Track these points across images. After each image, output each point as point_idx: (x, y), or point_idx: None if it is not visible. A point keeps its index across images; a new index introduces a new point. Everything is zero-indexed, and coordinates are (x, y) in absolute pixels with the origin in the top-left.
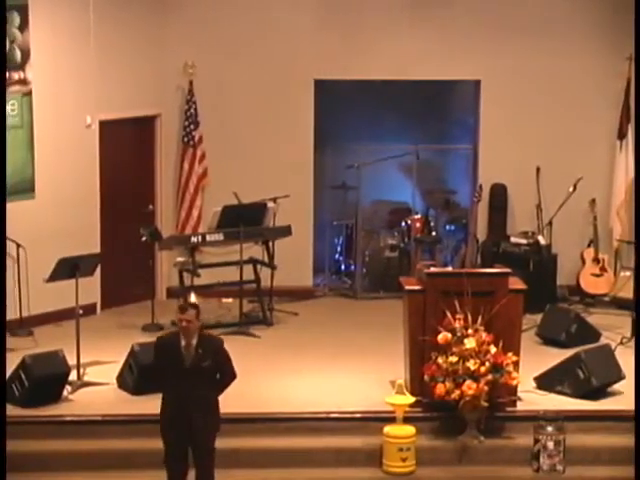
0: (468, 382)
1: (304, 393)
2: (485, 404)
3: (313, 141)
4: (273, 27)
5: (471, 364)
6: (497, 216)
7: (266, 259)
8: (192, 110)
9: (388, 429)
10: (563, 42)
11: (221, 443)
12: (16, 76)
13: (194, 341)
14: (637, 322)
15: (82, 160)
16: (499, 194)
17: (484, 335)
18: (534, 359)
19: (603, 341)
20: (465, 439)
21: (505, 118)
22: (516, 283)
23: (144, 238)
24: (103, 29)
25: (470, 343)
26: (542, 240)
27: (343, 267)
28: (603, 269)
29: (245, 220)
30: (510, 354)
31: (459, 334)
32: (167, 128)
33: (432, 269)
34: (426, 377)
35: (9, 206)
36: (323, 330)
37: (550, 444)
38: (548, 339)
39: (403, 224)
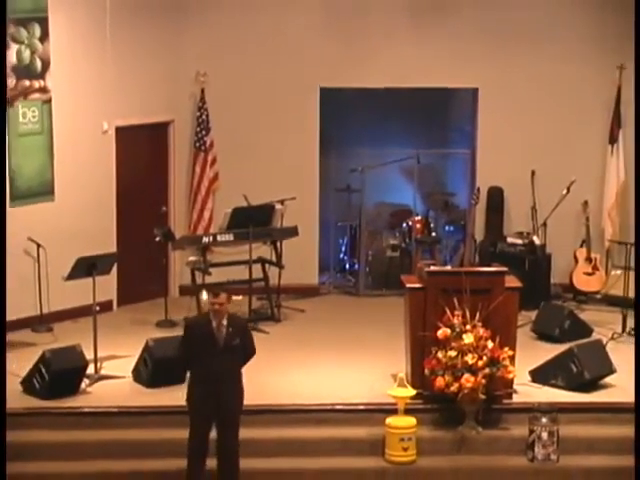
0: (466, 375)
1: (310, 386)
2: (482, 396)
3: (319, 146)
4: (281, 38)
5: (469, 358)
6: (494, 217)
7: (274, 258)
8: (204, 116)
9: (390, 420)
10: (557, 52)
11: None
12: (37, 84)
13: (224, 322)
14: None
15: (99, 164)
16: (496, 196)
17: (482, 331)
18: (529, 354)
19: (595, 336)
20: (464, 430)
21: (501, 124)
22: (512, 281)
23: (158, 238)
24: (119, 41)
25: (468, 338)
26: (537, 240)
27: (347, 266)
28: (595, 268)
29: (254, 221)
30: (506, 349)
31: (458, 330)
32: (180, 134)
33: (432, 268)
34: (426, 371)
35: (30, 208)
36: (328, 326)
37: (544, 435)
38: (542, 334)
39: (404, 225)
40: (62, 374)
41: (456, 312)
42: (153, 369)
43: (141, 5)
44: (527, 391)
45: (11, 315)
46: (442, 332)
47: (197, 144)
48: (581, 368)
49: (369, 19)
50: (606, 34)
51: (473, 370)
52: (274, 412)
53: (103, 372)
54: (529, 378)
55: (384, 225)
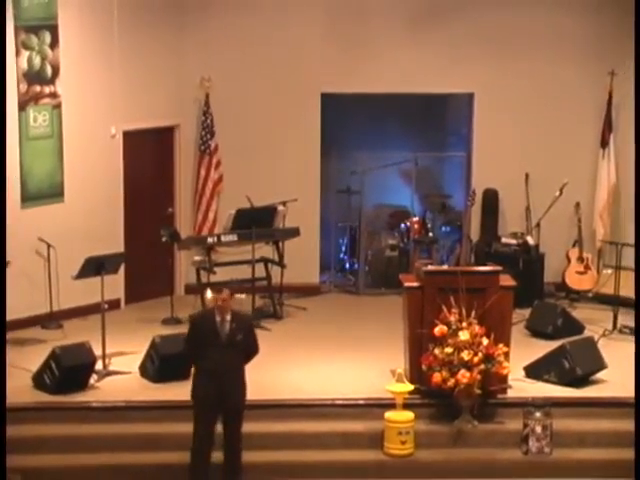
0: (462, 371)
1: (312, 382)
2: (478, 391)
3: (320, 149)
4: (283, 45)
5: (465, 355)
6: (489, 218)
7: (276, 258)
8: (208, 121)
9: (389, 414)
10: (551, 59)
11: None
12: (47, 90)
13: (228, 317)
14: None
15: (107, 167)
16: (491, 198)
17: (477, 328)
18: (523, 350)
19: (587, 334)
20: (460, 424)
21: (496, 128)
22: (507, 280)
23: (164, 239)
24: (127, 48)
25: (464, 335)
26: (531, 240)
27: (347, 265)
28: (587, 267)
29: (257, 222)
30: (501, 345)
31: (454, 327)
32: (185, 138)
33: (429, 267)
34: (424, 367)
35: (40, 209)
36: (329, 324)
37: (538, 428)
38: (536, 332)
39: (402, 226)
40: (71, 370)
41: (452, 310)
42: (159, 365)
43: (148, 13)
44: (521, 386)
45: (22, 313)
46: (439, 329)
47: (202, 147)
48: (573, 364)
49: (368, 27)
50: (597, 41)
51: (469, 366)
52: (277, 407)
53: (111, 368)
54: (523, 374)
55: (383, 226)
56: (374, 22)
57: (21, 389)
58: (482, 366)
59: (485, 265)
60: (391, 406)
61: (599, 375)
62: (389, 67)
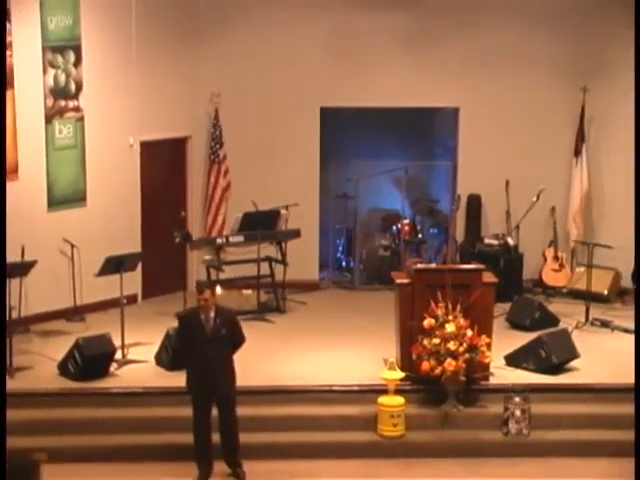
0: (449, 360)
1: (311, 369)
2: (463, 378)
3: (319, 158)
4: (286, 64)
5: (451, 345)
6: (473, 221)
7: (279, 257)
8: (217, 132)
9: (382, 399)
10: (529, 77)
11: (241, 411)
12: (71, 104)
13: (212, 314)
14: (637, 315)
15: (126, 174)
16: (474, 203)
17: (462, 321)
18: (504, 341)
19: (561, 326)
20: (446, 408)
21: (479, 139)
22: (489, 277)
23: (177, 240)
24: (144, 66)
25: (450, 327)
26: (510, 241)
27: (344, 264)
28: (562, 265)
29: (262, 224)
30: (484, 336)
31: (441, 320)
32: (197, 148)
33: (419, 266)
34: (414, 356)
35: (65, 213)
36: (327, 316)
37: (517, 412)
38: (515, 324)
39: (394, 228)
40: (93, 359)
41: (440, 304)
42: (173, 355)
43: (163, 37)
44: (502, 374)
45: (49, 307)
46: (427, 322)
47: (212, 157)
48: (549, 353)
49: (364, 48)
50: (571, 60)
51: (455, 355)
52: (279, 392)
53: (129, 357)
54: (504, 362)
55: (376, 228)
56: (369, 44)
57: (47, 376)
58: (467, 355)
59: (469, 263)
60: (384, 391)
61: (573, 363)
62: (383, 84)
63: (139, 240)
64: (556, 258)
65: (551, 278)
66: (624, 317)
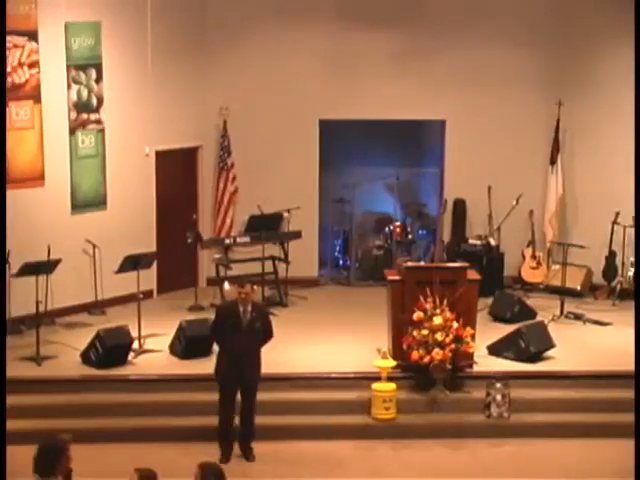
0: (436, 350)
1: (311, 358)
2: (449, 366)
3: (318, 165)
4: (288, 80)
5: (439, 336)
6: (458, 223)
7: (282, 256)
8: (226, 143)
9: (375, 385)
10: (510, 91)
11: None
12: (93, 117)
13: (249, 307)
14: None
15: (142, 181)
16: (460, 206)
17: (448, 314)
18: (486, 332)
19: (538, 318)
20: (434, 393)
21: (464, 149)
22: (473, 274)
23: (189, 240)
24: (159, 82)
25: (438, 320)
26: (492, 242)
27: (341, 262)
28: (539, 263)
29: (266, 226)
30: (468, 328)
31: (429, 313)
32: (207, 156)
33: (409, 264)
34: (404, 346)
35: (87, 216)
36: (326, 310)
37: (499, 397)
38: (497, 317)
39: (387, 229)
40: (113, 348)
41: (428, 299)
42: (186, 345)
43: (176, 55)
44: (485, 362)
45: (72, 301)
46: (417, 315)
47: (220, 165)
48: (527, 344)
49: (359, 65)
50: (547, 77)
51: (442, 345)
52: (281, 379)
53: (146, 347)
54: (486, 352)
55: (371, 229)
56: (364, 61)
57: (71, 364)
58: (452, 345)
59: (455, 262)
60: (377, 378)
61: (549, 353)
62: (376, 98)
63: (154, 240)
64: (534, 257)
65: (529, 275)
66: (596, 311)
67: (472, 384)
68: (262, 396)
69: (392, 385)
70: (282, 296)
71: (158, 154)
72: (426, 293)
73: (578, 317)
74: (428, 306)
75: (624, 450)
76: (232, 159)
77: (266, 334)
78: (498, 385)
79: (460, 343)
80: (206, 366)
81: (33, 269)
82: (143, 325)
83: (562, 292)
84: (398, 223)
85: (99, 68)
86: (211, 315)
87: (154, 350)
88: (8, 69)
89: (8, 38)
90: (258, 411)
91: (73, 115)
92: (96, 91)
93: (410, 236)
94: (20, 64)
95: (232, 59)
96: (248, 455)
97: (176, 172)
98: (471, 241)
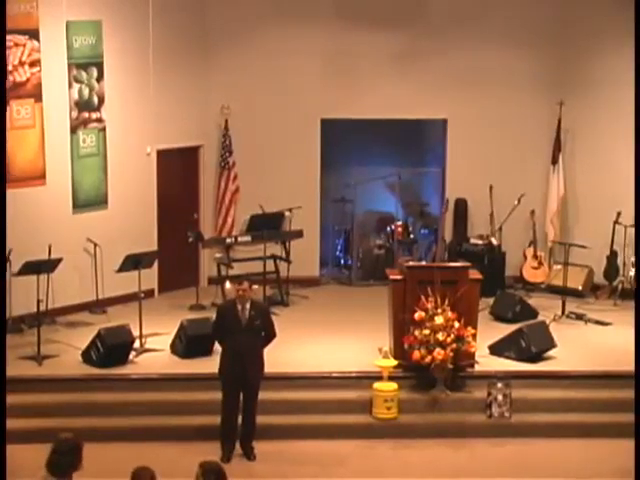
0: (437, 349)
1: (313, 358)
2: (450, 366)
3: (319, 165)
4: (290, 80)
5: (440, 335)
6: (460, 223)
7: (283, 255)
8: (227, 142)
9: (376, 385)
10: (511, 91)
11: None
12: (94, 116)
13: (248, 305)
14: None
15: (144, 180)
16: (461, 206)
17: (450, 314)
18: (488, 332)
19: (540, 318)
20: (435, 393)
21: (466, 148)
22: (474, 274)
23: (190, 239)
24: (160, 81)
25: (439, 320)
26: (494, 241)
27: (342, 261)
28: (540, 263)
29: (267, 225)
30: (469, 328)
31: (431, 313)
32: (208, 156)
33: (410, 263)
34: (406, 345)
35: (88, 215)
36: (327, 309)
37: (500, 397)
38: (498, 317)
39: (388, 229)
40: (114, 347)
41: (429, 299)
42: (187, 344)
43: (178, 54)
44: (486, 362)
45: (73, 300)
46: (418, 315)
47: (222, 164)
48: (529, 343)
49: (360, 65)
50: (549, 77)
51: (443, 345)
52: (284, 379)
53: (147, 346)
54: (488, 351)
55: (372, 229)
56: (365, 61)
57: (72, 363)
58: (454, 345)
59: (456, 261)
60: (378, 378)
61: (550, 352)
62: (378, 97)
63: (155, 239)
64: (535, 257)
65: (531, 275)
66: (597, 311)
67: (473, 384)
68: (263, 395)
69: (393, 385)
70: (283, 295)
71: (159, 153)
72: (427, 293)
73: (579, 317)
74: (429, 306)
75: (624, 450)
76: (233, 158)
77: (267, 334)
78: (499, 385)
79: (461, 343)
80: (207, 365)
81: (34, 268)
82: (144, 324)
83: (563, 292)
84: (399, 222)
85: (100, 67)
86: (212, 314)
87: (155, 349)
88: (9, 68)
89: (9, 37)
90: (260, 410)
91: (74, 114)
92: (97, 90)
93: (411, 236)
94: (21, 63)
95: (233, 58)
96: (249, 454)
97: (177, 171)
98: (472, 241)
